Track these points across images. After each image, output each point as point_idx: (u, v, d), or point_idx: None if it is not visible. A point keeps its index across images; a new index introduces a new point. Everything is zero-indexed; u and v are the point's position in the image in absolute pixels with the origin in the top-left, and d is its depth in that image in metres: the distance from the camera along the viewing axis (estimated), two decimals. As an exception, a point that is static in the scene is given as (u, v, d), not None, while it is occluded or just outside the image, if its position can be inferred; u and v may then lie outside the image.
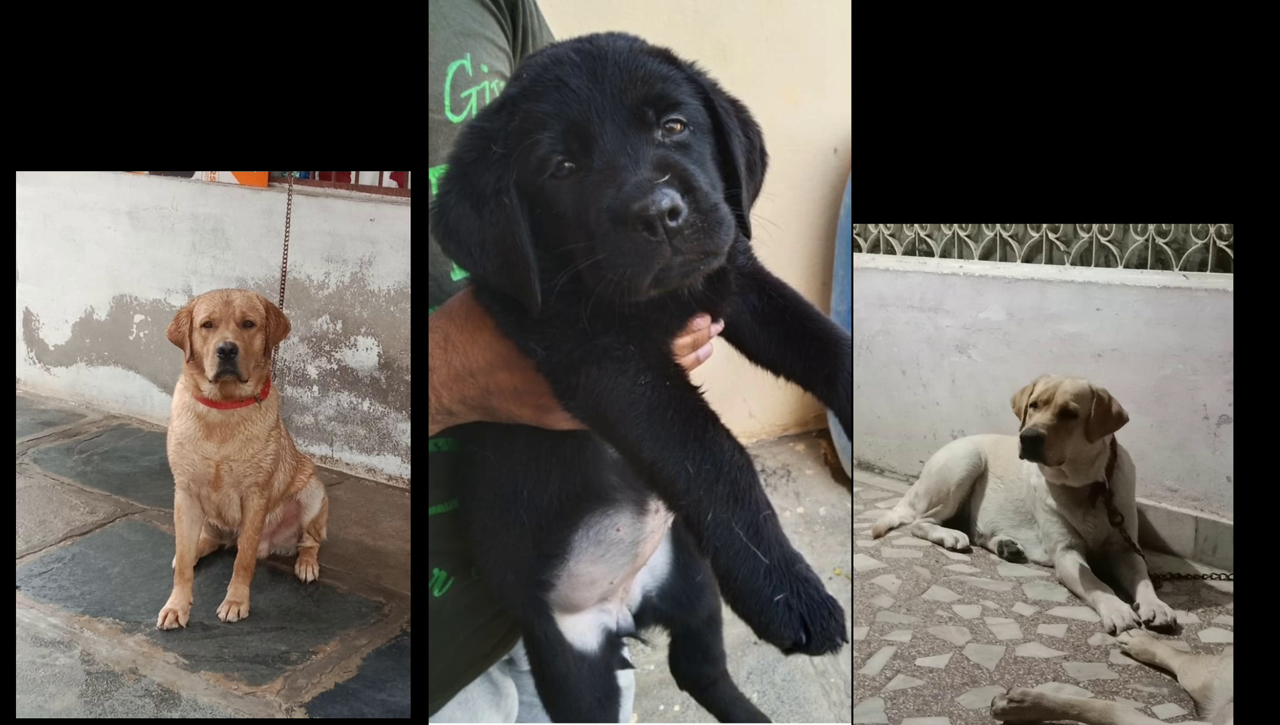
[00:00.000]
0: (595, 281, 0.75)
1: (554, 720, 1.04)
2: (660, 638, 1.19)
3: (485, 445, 0.96)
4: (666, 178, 0.72)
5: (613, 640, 1.05)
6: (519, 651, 1.16)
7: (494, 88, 1.06)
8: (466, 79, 1.03)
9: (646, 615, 1.09)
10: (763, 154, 0.89)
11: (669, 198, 0.71)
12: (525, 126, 0.79)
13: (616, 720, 1.05)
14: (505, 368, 0.85)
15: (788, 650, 0.72)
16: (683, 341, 0.85)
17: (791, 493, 3.03)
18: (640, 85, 0.78)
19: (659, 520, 0.98)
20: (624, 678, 1.16)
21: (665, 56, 0.83)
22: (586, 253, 0.75)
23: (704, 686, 1.20)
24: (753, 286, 0.92)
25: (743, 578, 0.71)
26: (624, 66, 0.79)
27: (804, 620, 0.70)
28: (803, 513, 2.89)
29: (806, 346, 0.91)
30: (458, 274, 1.05)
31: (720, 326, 0.90)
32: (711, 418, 0.78)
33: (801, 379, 0.93)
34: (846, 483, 2.96)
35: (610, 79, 0.77)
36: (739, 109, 0.88)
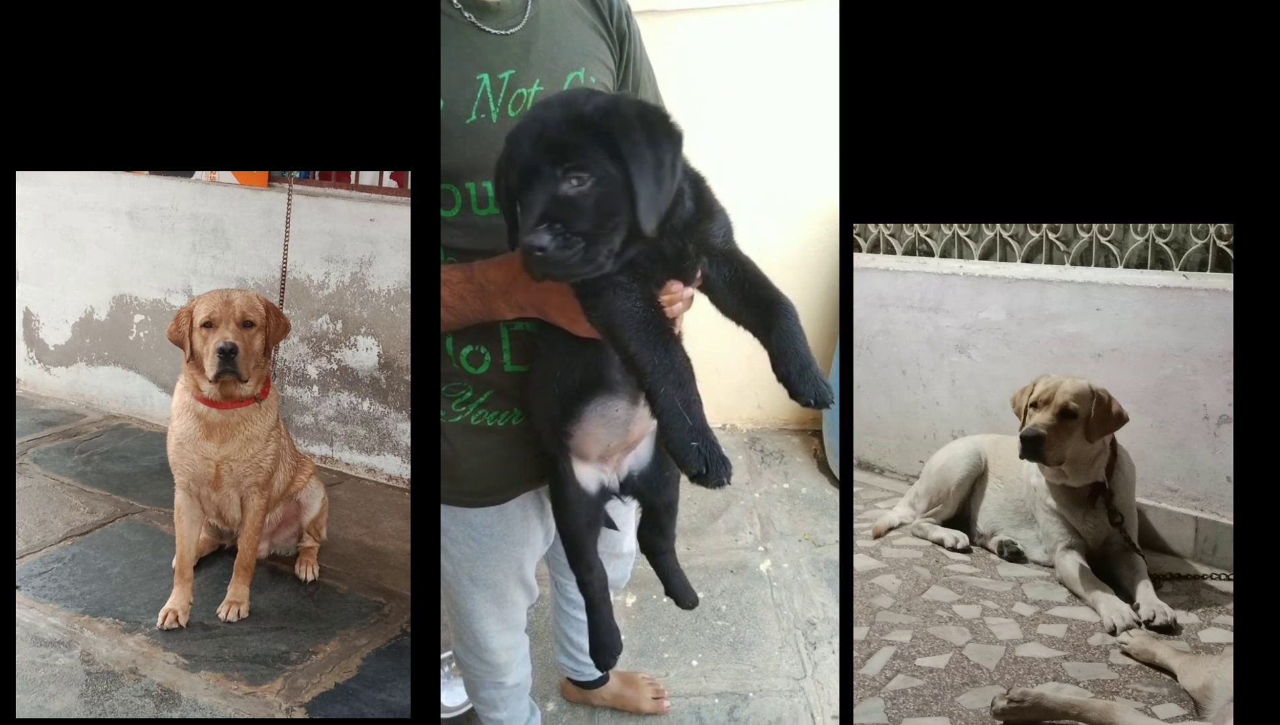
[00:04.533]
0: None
1: (559, 528, 1.52)
2: (639, 561, 1.73)
3: (544, 338, 1.37)
4: (544, 225, 1.06)
5: (604, 491, 1.49)
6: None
7: None
8: (579, 85, 1.41)
9: (628, 487, 1.50)
10: (673, 166, 1.14)
11: (540, 239, 1.06)
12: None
13: (595, 543, 1.52)
14: (558, 292, 1.22)
15: (693, 479, 1.07)
16: (664, 297, 1.19)
17: (781, 471, 3.65)
18: (551, 147, 1.10)
19: (644, 412, 1.34)
20: (626, 543, 1.85)
21: (579, 123, 1.11)
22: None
23: (656, 554, 1.65)
24: (727, 262, 1.25)
25: (675, 430, 1.09)
26: (548, 137, 1.10)
27: (706, 461, 1.06)
28: (788, 488, 3.52)
29: (756, 306, 1.23)
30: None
31: (692, 291, 1.24)
32: (673, 334, 1.14)
33: (750, 328, 1.23)
34: (829, 474, 3.57)
35: (536, 144, 1.11)
36: (651, 131, 1.12)
